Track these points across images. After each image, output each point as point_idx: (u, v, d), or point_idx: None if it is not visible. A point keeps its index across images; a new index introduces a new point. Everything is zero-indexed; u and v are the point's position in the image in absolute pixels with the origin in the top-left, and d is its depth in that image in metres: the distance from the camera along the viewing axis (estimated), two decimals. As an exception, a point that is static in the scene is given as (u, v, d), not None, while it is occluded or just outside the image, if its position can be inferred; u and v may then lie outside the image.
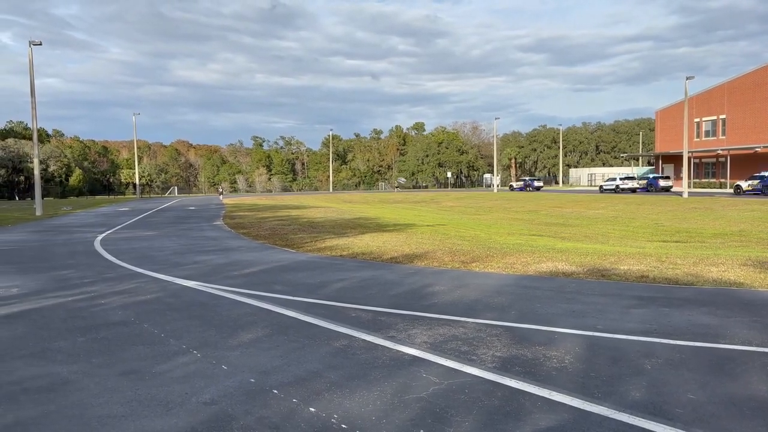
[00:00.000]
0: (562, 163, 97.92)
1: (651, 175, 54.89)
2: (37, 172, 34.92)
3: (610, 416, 4.01)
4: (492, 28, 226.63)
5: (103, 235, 19.62)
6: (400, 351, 5.59)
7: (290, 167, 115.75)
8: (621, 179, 53.51)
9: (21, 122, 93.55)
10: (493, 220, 30.38)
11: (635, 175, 55.66)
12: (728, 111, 54.63)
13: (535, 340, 5.93)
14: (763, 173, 42.35)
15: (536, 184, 68.68)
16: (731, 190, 45.00)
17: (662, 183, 51.27)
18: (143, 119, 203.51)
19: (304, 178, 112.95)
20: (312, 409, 4.22)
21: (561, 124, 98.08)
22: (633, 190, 50.90)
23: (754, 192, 41.11)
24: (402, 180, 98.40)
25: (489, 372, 4.95)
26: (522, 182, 72.12)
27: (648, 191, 50.13)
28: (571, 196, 51.43)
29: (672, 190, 50.99)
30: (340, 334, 6.26)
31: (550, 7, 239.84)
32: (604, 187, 54.89)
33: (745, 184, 42.65)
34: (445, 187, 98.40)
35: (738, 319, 6.70)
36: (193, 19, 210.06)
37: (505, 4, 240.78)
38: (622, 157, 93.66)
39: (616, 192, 51.39)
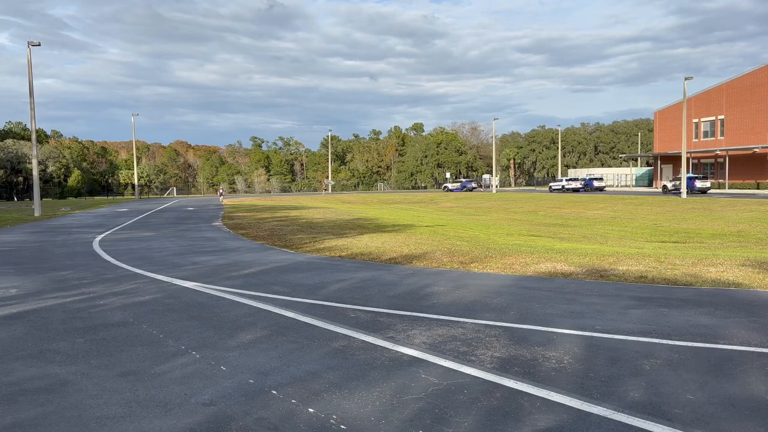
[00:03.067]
0: (561, 164, 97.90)
1: (587, 177, 66.17)
2: (35, 172, 34.87)
3: (609, 417, 4.01)
4: (490, 29, 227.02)
5: (102, 235, 19.61)
6: (399, 351, 5.59)
7: (289, 168, 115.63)
8: (567, 180, 64.71)
9: (20, 123, 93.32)
10: (491, 220, 30.39)
11: (578, 177, 67.31)
12: (727, 111, 54.70)
13: (534, 340, 5.94)
14: (682, 176, 49.63)
15: (471, 185, 76.49)
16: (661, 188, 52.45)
17: (596, 183, 62.48)
18: (142, 120, 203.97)
19: (303, 178, 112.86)
20: (311, 410, 4.22)
21: (560, 125, 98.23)
22: (576, 190, 61.18)
23: (676, 190, 48.45)
24: (331, 182, 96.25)
25: (488, 372, 4.95)
26: (459, 183, 78.17)
27: (586, 190, 61.02)
28: (552, 195, 51.53)
29: (605, 189, 62.24)
30: (339, 334, 6.26)
31: (548, 8, 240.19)
32: (553, 187, 65.17)
33: (669, 185, 50.62)
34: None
35: (736, 319, 6.71)
36: (191, 20, 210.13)
37: (504, 5, 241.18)
38: (621, 157, 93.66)
39: (562, 191, 61.66)
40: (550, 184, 68.19)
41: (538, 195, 57.81)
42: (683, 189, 43.45)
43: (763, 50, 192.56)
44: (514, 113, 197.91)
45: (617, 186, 74.57)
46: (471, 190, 74.44)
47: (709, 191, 47.68)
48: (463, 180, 79.83)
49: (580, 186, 61.90)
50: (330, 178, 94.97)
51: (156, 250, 14.92)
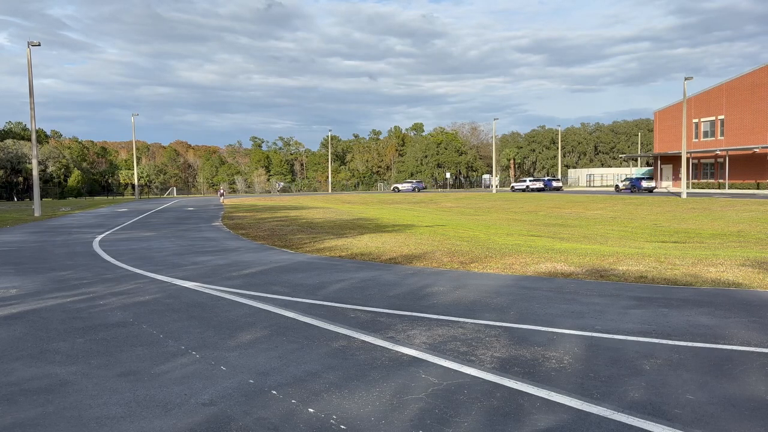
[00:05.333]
0: (561, 164, 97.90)
1: (546, 178, 72.61)
2: (35, 172, 34.86)
3: (609, 417, 4.01)
4: (489, 29, 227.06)
5: (102, 235, 19.60)
6: (399, 352, 5.59)
7: (289, 168, 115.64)
8: (530, 180, 70.04)
9: (19, 123, 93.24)
10: (492, 220, 30.39)
11: (541, 179, 72.17)
12: (727, 111, 54.68)
13: (534, 340, 5.94)
14: (631, 176, 58.40)
15: (421, 186, 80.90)
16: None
17: (554, 184, 69.24)
18: (142, 120, 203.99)
19: (303, 178, 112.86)
20: (311, 410, 4.22)
21: (559, 125, 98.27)
22: (540, 189, 66.83)
23: (626, 189, 55.80)
24: (281, 184, 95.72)
25: (488, 372, 4.95)
26: (409, 184, 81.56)
27: (544, 190, 66.87)
28: (562, 195, 51.55)
29: (563, 190, 68.16)
30: (339, 334, 6.26)
31: (547, 8, 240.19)
32: (516, 187, 70.25)
33: (621, 184, 57.51)
34: (444, 188, 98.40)
35: (736, 319, 6.71)
36: (190, 20, 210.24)
37: (503, 5, 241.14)
38: (621, 157, 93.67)
39: (525, 191, 66.70)
40: (513, 184, 74.10)
41: (537, 195, 57.85)
42: (627, 187, 51.06)
43: (762, 50, 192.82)
44: (514, 113, 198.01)
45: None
46: (420, 190, 78.76)
47: (654, 190, 53.76)
48: (414, 181, 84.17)
49: (543, 186, 68.47)
50: (281, 180, 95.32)
51: (156, 250, 14.92)
